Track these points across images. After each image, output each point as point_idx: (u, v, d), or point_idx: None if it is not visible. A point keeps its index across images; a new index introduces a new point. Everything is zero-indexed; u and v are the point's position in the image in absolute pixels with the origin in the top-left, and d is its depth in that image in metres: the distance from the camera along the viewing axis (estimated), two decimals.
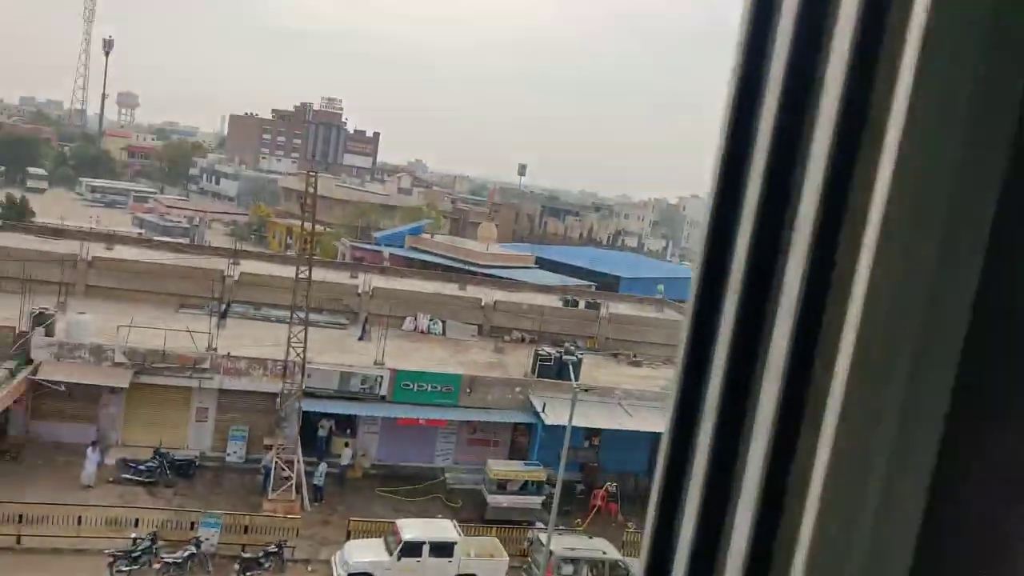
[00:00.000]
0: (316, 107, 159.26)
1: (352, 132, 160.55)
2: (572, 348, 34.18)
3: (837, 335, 0.70)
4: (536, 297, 44.92)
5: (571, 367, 28.03)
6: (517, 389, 30.78)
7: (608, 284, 58.24)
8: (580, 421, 28.71)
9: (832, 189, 0.70)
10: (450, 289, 42.04)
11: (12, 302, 28.47)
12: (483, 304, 39.47)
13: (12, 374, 25.38)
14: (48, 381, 26.40)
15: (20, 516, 22.08)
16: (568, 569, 23.08)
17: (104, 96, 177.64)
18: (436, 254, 64.98)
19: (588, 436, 32.45)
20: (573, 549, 23.45)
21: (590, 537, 24.70)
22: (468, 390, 30.15)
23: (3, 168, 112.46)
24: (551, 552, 22.72)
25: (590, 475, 31.74)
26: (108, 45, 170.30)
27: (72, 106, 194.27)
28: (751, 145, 0.78)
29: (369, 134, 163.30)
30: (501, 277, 50.25)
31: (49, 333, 27.53)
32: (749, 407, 0.77)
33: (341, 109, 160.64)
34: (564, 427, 23.72)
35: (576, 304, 43.48)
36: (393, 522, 23.95)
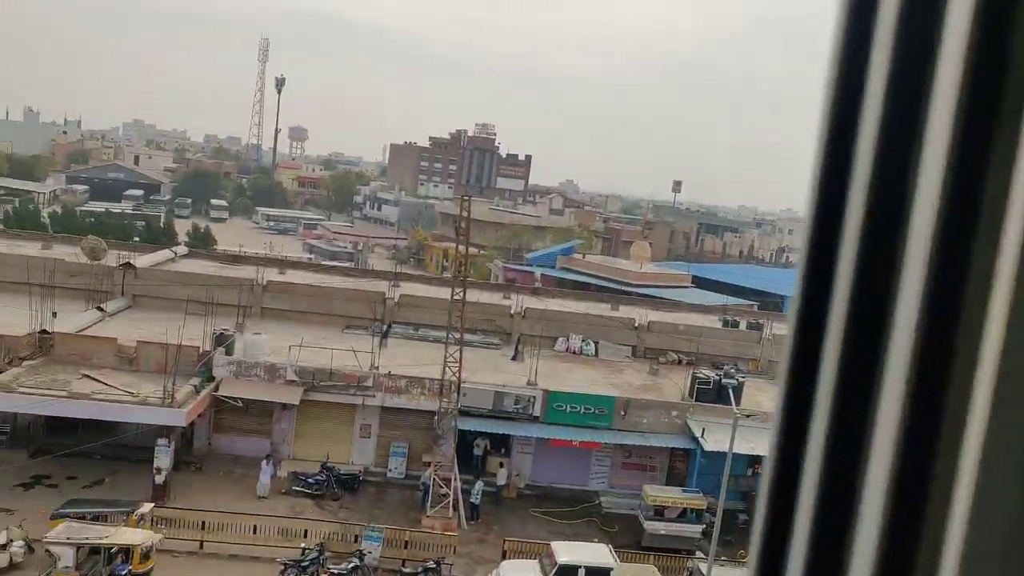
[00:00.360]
0: (470, 133, 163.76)
1: (505, 156, 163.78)
2: (732, 371, 32.99)
3: (976, 341, 0.67)
4: (693, 317, 43.86)
5: (731, 391, 27.05)
6: (674, 413, 30.04)
7: (771, 304, 56.02)
8: (742, 447, 27.58)
9: (957, 188, 0.67)
10: (602, 309, 41.78)
11: (197, 323, 30.84)
12: (637, 324, 38.92)
13: (197, 390, 27.40)
14: (228, 397, 28.32)
15: (203, 523, 23.68)
16: None
17: (277, 131, 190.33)
18: (588, 274, 64.92)
19: (751, 464, 31.17)
20: None
21: None
22: (622, 413, 29.72)
23: (190, 200, 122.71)
24: None
25: (753, 504, 30.35)
26: (280, 83, 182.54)
27: (249, 141, 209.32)
28: (855, 148, 0.73)
29: (521, 157, 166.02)
30: (655, 297, 49.47)
31: (229, 352, 29.55)
32: (867, 421, 0.71)
33: (494, 134, 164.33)
34: (725, 453, 22.85)
35: (736, 324, 42.06)
36: (548, 544, 23.83)
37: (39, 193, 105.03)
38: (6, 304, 32.12)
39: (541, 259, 71.57)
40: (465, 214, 28.31)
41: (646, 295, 50.29)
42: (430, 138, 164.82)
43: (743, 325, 41.97)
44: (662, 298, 48.90)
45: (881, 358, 0.70)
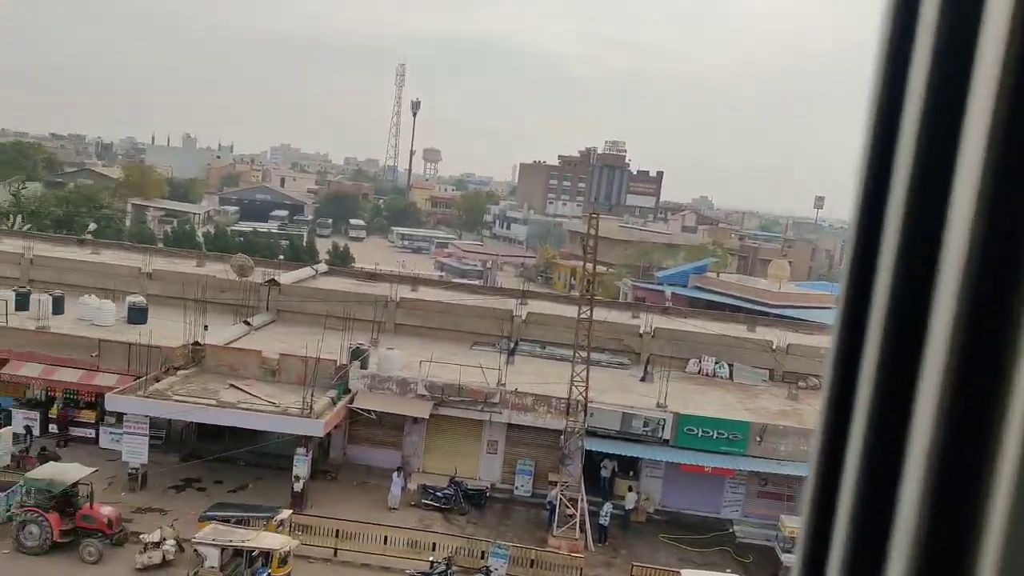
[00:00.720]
0: (600, 151, 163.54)
1: (635, 173, 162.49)
2: None
3: (1016, 344, 0.67)
4: None
5: None
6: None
7: None
8: None
9: (996, 189, 0.68)
10: (738, 330, 40.49)
11: (335, 337, 32.11)
12: (775, 347, 37.47)
13: (334, 402, 28.47)
14: (362, 409, 29.26)
15: (337, 531, 24.49)
16: None
17: (412, 153, 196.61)
18: (723, 293, 63.16)
19: None
20: None
21: None
22: (758, 439, 28.62)
23: (330, 220, 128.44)
24: None
25: None
26: (415, 106, 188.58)
27: (385, 163, 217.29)
28: (896, 150, 0.76)
29: (652, 173, 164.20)
30: (795, 318, 47.50)
31: (364, 366, 30.56)
32: (907, 427, 0.74)
33: (624, 151, 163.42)
34: None
35: None
36: (678, 572, 23.19)
37: (195, 214, 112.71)
38: (165, 317, 34.55)
39: (672, 277, 70.24)
40: (593, 232, 28.18)
41: (785, 316, 48.33)
42: (559, 156, 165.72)
43: None
44: (803, 319, 46.88)
45: (920, 362, 0.72)
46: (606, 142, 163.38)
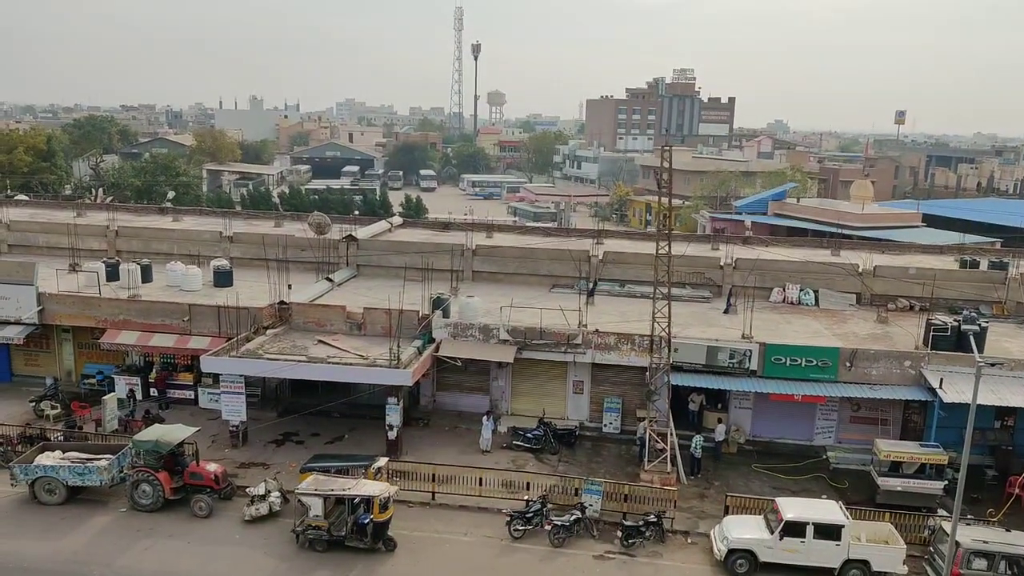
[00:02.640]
0: (668, 80, 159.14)
1: (706, 100, 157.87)
2: (973, 315, 29.99)
3: None
4: (925, 259, 40.28)
5: (973, 337, 24.58)
6: (907, 363, 27.75)
7: (1017, 239, 50.25)
8: (987, 399, 25.19)
9: None
10: (822, 256, 39.29)
11: (415, 288, 32.45)
12: (861, 270, 36.24)
13: (419, 351, 28.91)
14: (447, 357, 29.65)
15: (433, 475, 25.08)
16: (981, 564, 20.24)
17: (476, 98, 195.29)
18: (804, 219, 61.41)
19: (1000, 416, 28.36)
20: (987, 542, 20.51)
21: (1007, 530, 21.40)
22: (848, 364, 27.88)
23: (401, 172, 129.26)
24: (958, 544, 20.12)
25: (1003, 460, 27.69)
26: (476, 50, 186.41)
27: (450, 110, 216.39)
28: None
29: (724, 100, 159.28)
30: (881, 239, 45.83)
31: (445, 315, 30.86)
32: None
33: (694, 79, 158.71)
34: (967, 405, 20.75)
35: (976, 265, 38.10)
36: (773, 500, 22.99)
37: (268, 175, 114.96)
38: (249, 279, 35.49)
39: (751, 206, 68.55)
40: (666, 165, 27.48)
41: (870, 238, 46.71)
42: (627, 89, 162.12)
43: (984, 265, 37.93)
44: (889, 240, 45.22)
45: None
46: (674, 71, 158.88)
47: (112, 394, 30.68)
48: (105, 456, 24.90)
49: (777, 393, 27.92)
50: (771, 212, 66.21)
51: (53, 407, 30.49)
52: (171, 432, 24.92)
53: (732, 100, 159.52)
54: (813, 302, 35.53)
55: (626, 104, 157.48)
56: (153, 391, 32.49)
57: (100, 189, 75.57)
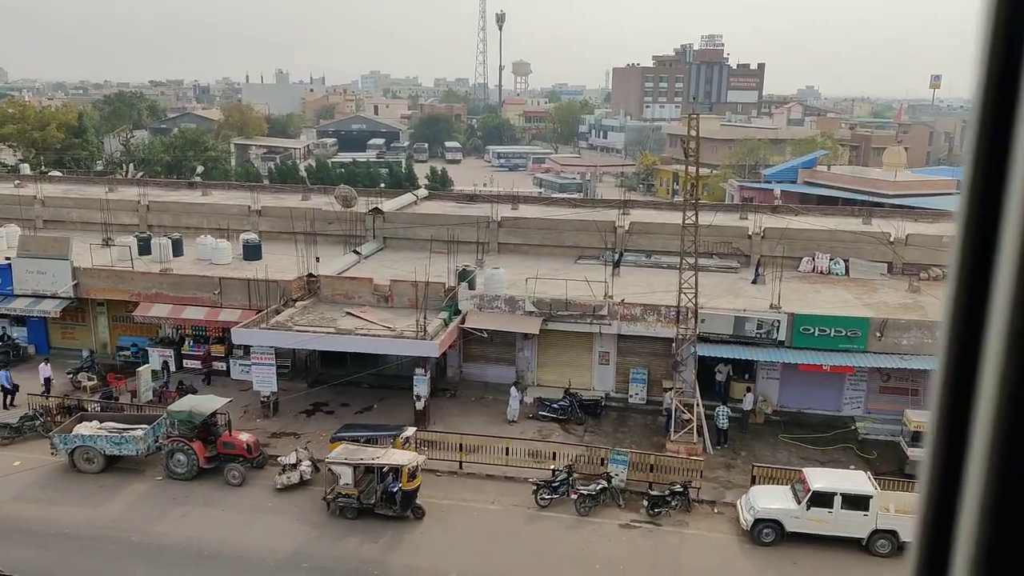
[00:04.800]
0: (696, 47, 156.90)
1: (735, 67, 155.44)
2: None
3: None
4: None
5: None
6: (938, 333, 27.38)
7: None
8: None
9: None
10: (852, 224, 38.76)
11: (441, 260, 32.59)
12: (892, 239, 35.74)
13: (446, 323, 29.10)
14: (474, 328, 29.82)
15: (460, 445, 25.37)
16: None
17: (501, 68, 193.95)
18: (834, 187, 60.57)
19: None
20: None
21: None
22: (878, 334, 27.62)
23: (426, 145, 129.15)
24: None
25: None
26: (500, 19, 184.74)
27: (475, 81, 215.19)
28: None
29: (754, 66, 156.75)
30: (914, 207, 45.09)
31: (471, 287, 30.99)
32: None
33: (722, 45, 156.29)
34: None
35: None
36: (800, 470, 22.98)
37: (295, 149, 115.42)
38: (277, 252, 35.84)
39: (780, 174, 67.64)
40: (694, 133, 27.21)
41: (903, 206, 45.96)
42: (653, 57, 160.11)
43: None
44: (922, 208, 44.45)
45: None
46: (702, 37, 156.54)
47: (146, 366, 31.29)
48: (141, 426, 25.47)
49: (805, 363, 27.77)
50: (801, 180, 65.34)
51: (90, 379, 31.16)
52: (204, 403, 25.41)
53: (762, 66, 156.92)
54: (843, 271, 35.17)
55: (653, 72, 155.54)
56: (196, 363, 32.66)
57: (131, 164, 76.46)
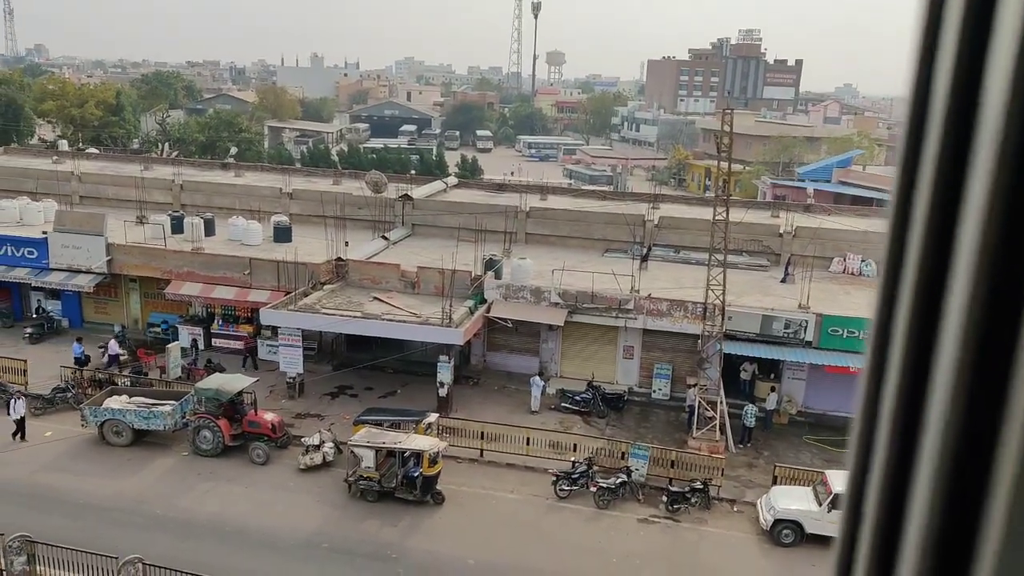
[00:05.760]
0: (733, 41, 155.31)
1: (772, 63, 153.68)
2: None
3: None
4: None
5: None
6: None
7: None
8: None
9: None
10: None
11: (469, 249, 32.68)
12: None
13: (471, 311, 29.21)
14: (498, 318, 29.90)
15: (482, 433, 25.50)
16: None
17: (535, 57, 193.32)
18: (869, 187, 59.75)
19: None
20: None
21: None
22: None
23: (458, 133, 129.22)
24: None
25: None
26: (536, 8, 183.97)
27: (509, 70, 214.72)
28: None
29: (791, 63, 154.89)
30: None
31: (497, 276, 31.06)
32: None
33: (760, 39, 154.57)
34: None
35: None
36: (822, 472, 22.84)
37: (328, 133, 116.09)
38: (307, 235, 36.14)
39: (814, 173, 66.87)
40: (728, 128, 27.00)
41: None
42: (689, 50, 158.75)
43: None
44: None
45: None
46: (740, 31, 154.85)
47: (176, 343, 31.76)
48: (169, 402, 25.90)
49: (832, 365, 27.54)
50: (835, 180, 64.57)
51: (121, 353, 31.69)
52: (231, 381, 25.77)
53: (799, 63, 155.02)
54: (874, 274, 34.69)
55: (688, 65, 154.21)
56: (242, 352, 32.45)
57: (166, 144, 77.41)
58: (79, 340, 31.74)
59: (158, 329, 34.54)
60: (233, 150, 72.08)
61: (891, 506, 0.73)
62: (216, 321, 33.97)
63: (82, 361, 30.46)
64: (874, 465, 0.77)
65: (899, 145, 0.79)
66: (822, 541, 21.22)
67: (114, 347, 31.23)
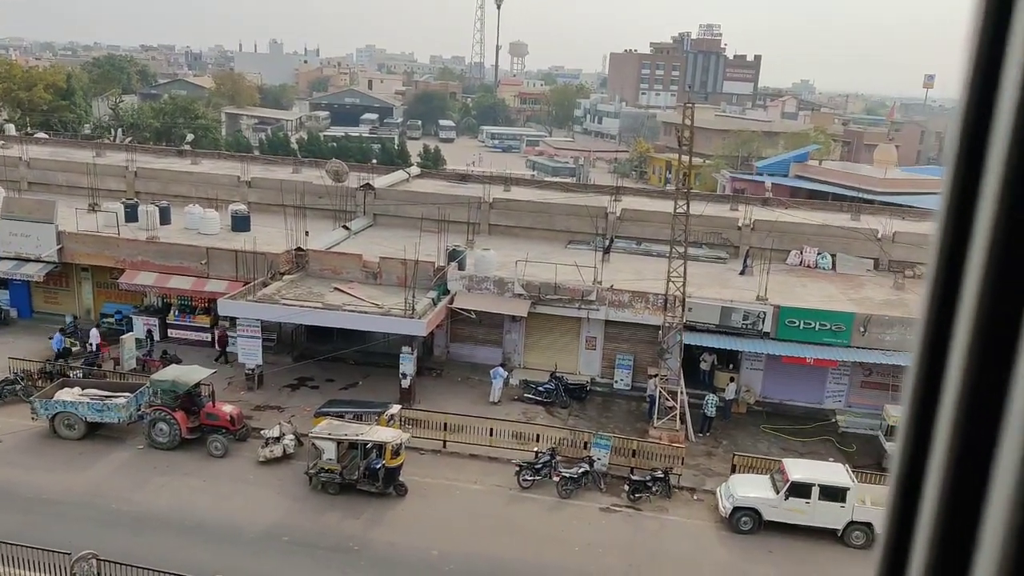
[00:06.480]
0: (694, 36, 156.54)
1: (732, 58, 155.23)
2: None
3: None
4: None
5: None
6: (914, 329, 27.62)
7: None
8: None
9: None
10: (841, 220, 38.95)
11: (431, 240, 32.51)
12: (880, 236, 35.93)
13: (434, 302, 29.08)
14: (462, 309, 29.81)
15: (445, 424, 25.42)
16: None
17: (498, 48, 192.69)
18: (825, 182, 60.79)
19: None
20: None
21: None
22: (862, 329, 27.84)
23: (420, 122, 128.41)
24: None
25: None
26: None
27: (471, 60, 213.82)
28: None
29: (750, 58, 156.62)
30: (902, 205, 45.34)
31: (461, 267, 30.94)
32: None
33: (720, 35, 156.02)
34: None
35: None
36: (780, 461, 23.21)
37: (287, 121, 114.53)
38: (266, 224, 35.62)
39: (772, 167, 67.79)
40: (688, 122, 27.19)
41: (892, 203, 46.18)
42: (651, 44, 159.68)
43: None
44: (910, 206, 44.69)
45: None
46: (700, 26, 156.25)
47: (130, 334, 31.11)
48: (123, 394, 25.37)
49: (789, 356, 27.98)
50: (792, 174, 65.54)
51: (72, 344, 30.96)
52: (188, 373, 25.32)
53: (758, 58, 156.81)
54: (830, 266, 35.36)
55: (650, 59, 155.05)
56: (216, 346, 31.51)
57: (119, 129, 75.64)
58: (61, 331, 31.07)
59: (112, 319, 33.80)
60: (189, 137, 70.75)
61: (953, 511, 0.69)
62: (172, 312, 33.34)
63: (63, 353, 29.71)
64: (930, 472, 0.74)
65: (951, 149, 0.75)
66: (779, 528, 21.58)
67: (95, 336, 30.42)
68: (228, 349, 30.84)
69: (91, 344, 30.41)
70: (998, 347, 0.67)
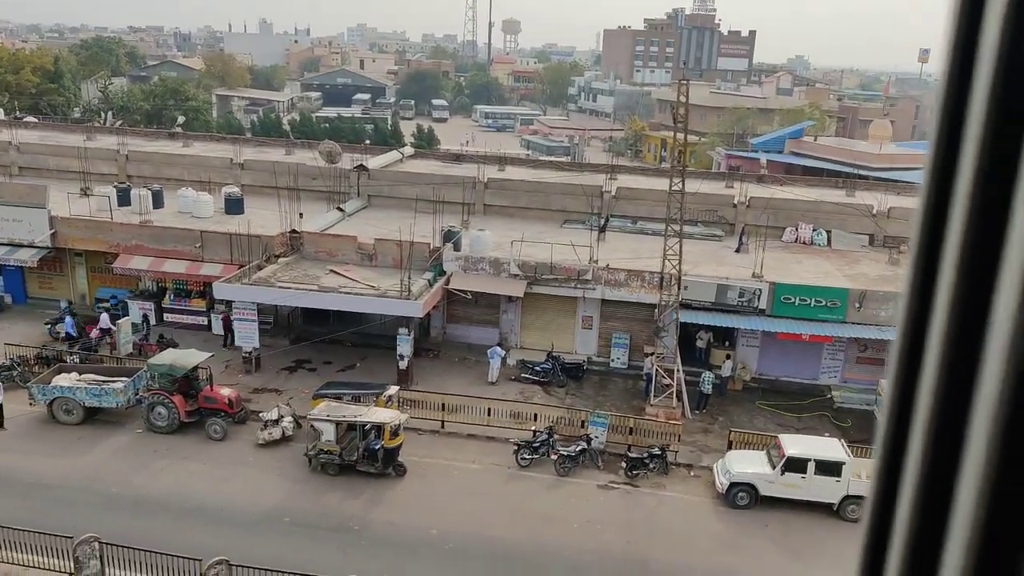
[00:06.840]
0: (688, 11, 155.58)
1: (726, 33, 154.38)
2: None
3: None
4: None
5: None
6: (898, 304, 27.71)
7: None
8: None
9: None
10: (836, 196, 38.93)
11: (426, 220, 32.44)
12: (875, 211, 35.96)
13: (430, 283, 29.07)
14: (458, 290, 29.82)
15: (443, 404, 25.51)
16: None
17: (491, 25, 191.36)
18: (820, 158, 60.74)
19: None
20: None
21: None
22: (857, 305, 27.93)
23: (413, 102, 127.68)
24: None
25: None
26: None
27: (464, 38, 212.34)
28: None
29: (745, 33, 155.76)
30: (897, 180, 45.33)
31: (456, 248, 30.91)
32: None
33: (714, 10, 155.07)
34: None
35: None
36: (776, 436, 23.36)
37: (279, 102, 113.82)
38: (260, 206, 35.49)
39: (767, 144, 67.64)
40: (683, 100, 27.07)
41: (887, 179, 46.16)
42: (645, 20, 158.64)
43: None
44: (905, 181, 44.66)
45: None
46: (694, 1, 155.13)
47: (126, 318, 31.07)
48: (121, 379, 25.37)
49: (785, 332, 28.08)
50: (787, 150, 65.44)
51: (57, 333, 30.87)
52: (185, 357, 25.32)
53: (752, 34, 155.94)
54: (825, 242, 35.40)
55: (644, 36, 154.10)
56: (220, 330, 31.37)
57: (109, 112, 75.09)
58: (73, 315, 31.01)
59: (107, 304, 33.71)
60: (180, 119, 70.29)
61: (930, 499, 0.72)
62: (168, 296, 33.27)
63: (75, 337, 29.75)
64: (909, 456, 0.78)
65: (933, 129, 0.77)
66: (776, 503, 21.76)
67: (105, 320, 30.37)
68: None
69: (100, 329, 30.35)
70: (973, 321, 0.69)
